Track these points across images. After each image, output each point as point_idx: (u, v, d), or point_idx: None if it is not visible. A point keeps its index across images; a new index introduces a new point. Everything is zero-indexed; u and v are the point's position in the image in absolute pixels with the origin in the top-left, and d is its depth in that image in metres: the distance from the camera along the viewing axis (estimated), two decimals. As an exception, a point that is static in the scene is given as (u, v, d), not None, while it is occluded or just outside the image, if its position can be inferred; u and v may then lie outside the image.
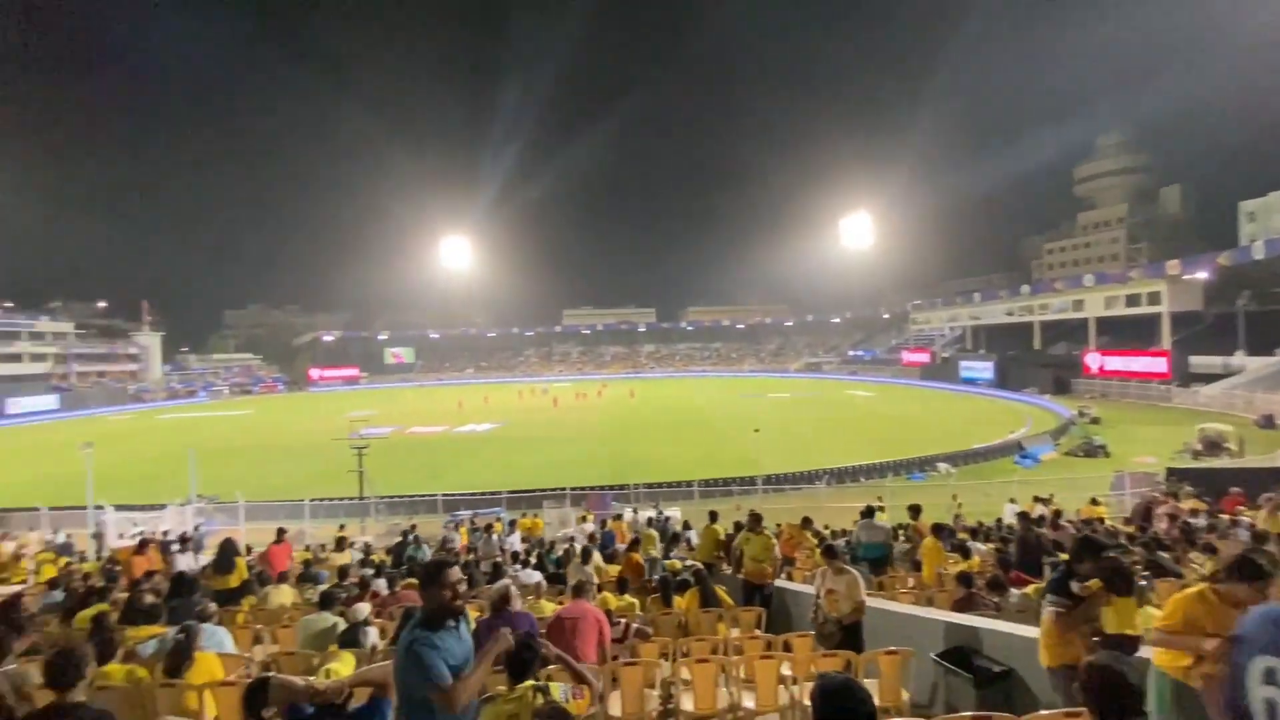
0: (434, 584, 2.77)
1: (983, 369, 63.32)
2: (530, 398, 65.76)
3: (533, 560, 11.42)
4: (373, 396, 76.98)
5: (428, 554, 12.70)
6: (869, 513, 10.95)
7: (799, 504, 19.59)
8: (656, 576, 9.60)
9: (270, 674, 3.09)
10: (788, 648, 5.39)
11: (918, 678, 5.05)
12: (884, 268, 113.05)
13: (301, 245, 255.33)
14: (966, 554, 9.68)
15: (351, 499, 23.18)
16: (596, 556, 9.29)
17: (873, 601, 6.08)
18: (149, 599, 5.75)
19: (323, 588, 8.03)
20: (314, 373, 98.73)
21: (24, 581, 11.45)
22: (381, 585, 7.63)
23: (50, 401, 67.43)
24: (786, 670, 4.93)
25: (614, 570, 9.23)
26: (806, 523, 12.57)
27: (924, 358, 77.34)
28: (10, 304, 79.44)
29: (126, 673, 4.12)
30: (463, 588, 2.80)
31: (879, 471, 26.85)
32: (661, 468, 27.81)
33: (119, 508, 19.83)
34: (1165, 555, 8.01)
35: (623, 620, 5.76)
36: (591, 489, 23.35)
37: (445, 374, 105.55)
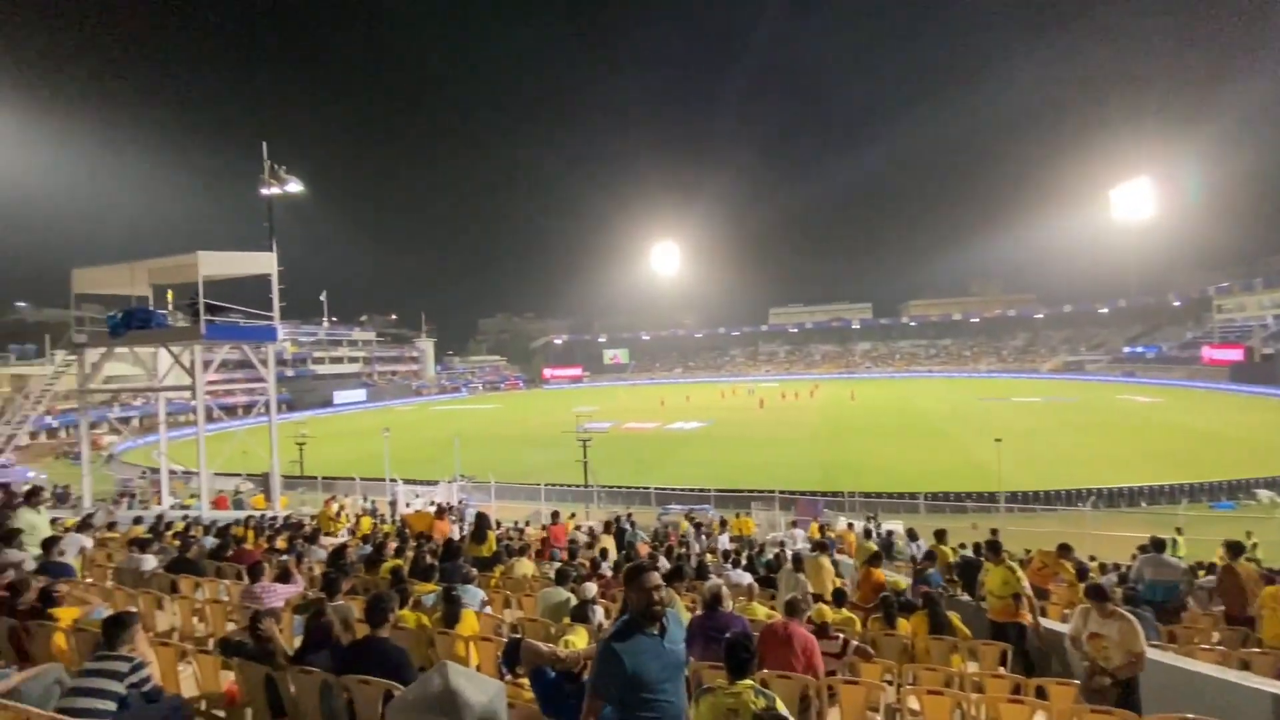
0: (633, 586, 2.75)
1: (1337, 369, 47.58)
2: (734, 397, 65.93)
3: (743, 560, 11.42)
4: (594, 394, 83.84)
5: (641, 536, 13.47)
6: (1158, 545, 8.84)
7: (1053, 528, 16.76)
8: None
9: (521, 637, 3.54)
10: (1041, 694, 4.60)
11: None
12: (1170, 245, 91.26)
13: (537, 259, 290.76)
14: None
15: (578, 486, 25.55)
16: (825, 561, 8.85)
17: (1158, 654, 4.92)
18: (428, 559, 6.97)
19: (557, 564, 8.97)
20: (546, 372, 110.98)
21: (344, 535, 14.69)
22: (607, 568, 8.25)
23: (360, 394, 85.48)
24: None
25: (836, 580, 8.78)
26: (1064, 550, 10.60)
27: (1235, 355, 60.68)
28: (335, 319, 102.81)
29: (415, 618, 5.04)
30: (662, 592, 2.73)
31: (1167, 495, 21.75)
32: (881, 476, 25.87)
33: (406, 481, 24.48)
34: None
35: (840, 635, 5.46)
36: (802, 494, 22.61)
37: (656, 373, 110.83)
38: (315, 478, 28.18)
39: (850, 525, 16.34)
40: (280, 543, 10.67)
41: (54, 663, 3.98)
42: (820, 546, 9.57)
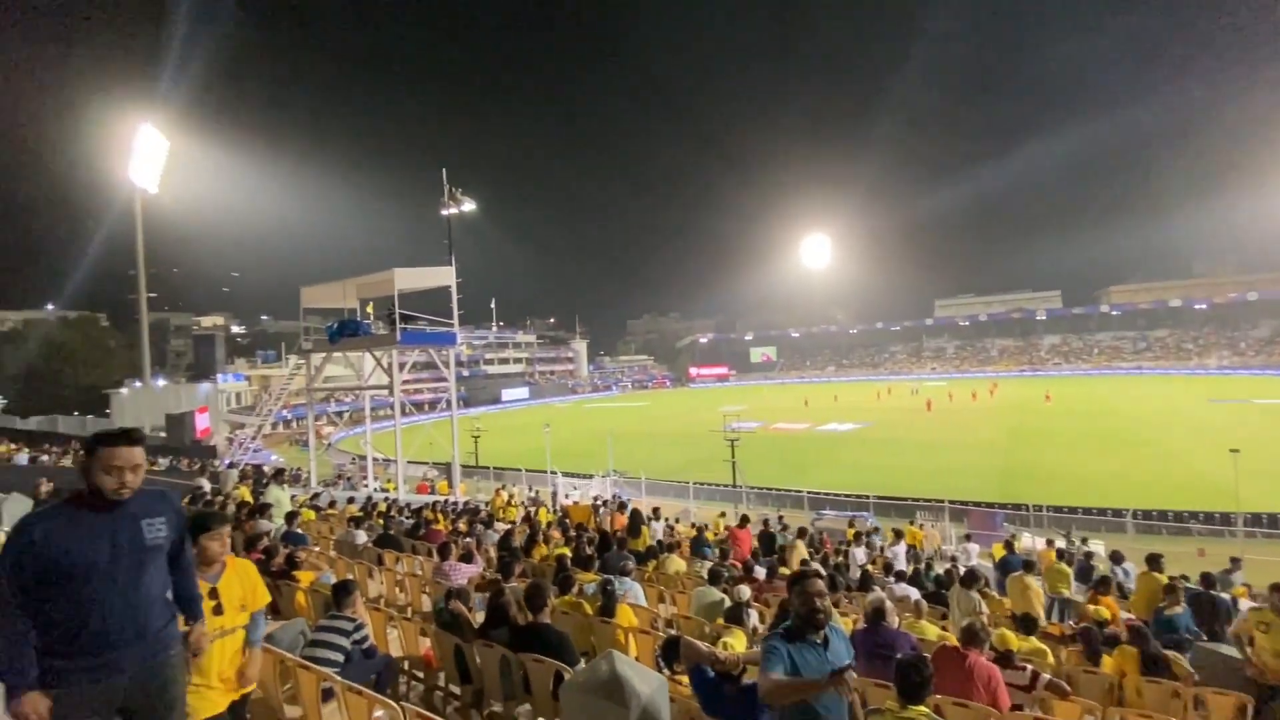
0: (796, 591, 2.75)
1: None
2: (893, 397, 61.49)
3: (908, 573, 10.64)
4: (740, 393, 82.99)
5: (788, 539, 13.07)
6: None
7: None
8: (1071, 622, 7.88)
9: (680, 634, 3.63)
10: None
11: None
12: None
13: (682, 259, 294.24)
14: None
15: (726, 486, 25.46)
16: (1032, 582, 7.99)
17: None
18: (588, 550, 7.38)
19: (709, 564, 9.03)
20: (692, 371, 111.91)
21: (513, 522, 16.02)
22: (760, 572, 8.16)
23: (524, 392, 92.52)
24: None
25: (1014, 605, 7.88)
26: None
27: None
28: (502, 323, 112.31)
29: (576, 606, 5.38)
30: (825, 600, 2.69)
31: None
32: (1076, 488, 22.66)
33: (565, 474, 26.11)
34: None
35: (1027, 666, 4.88)
36: (976, 504, 20.54)
37: (806, 372, 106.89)
38: (488, 468, 31.03)
39: (1050, 543, 14.50)
40: (462, 525, 11.93)
41: (298, 617, 4.82)
42: (1027, 565, 8.60)
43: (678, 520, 16.96)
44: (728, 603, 6.17)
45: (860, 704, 3.52)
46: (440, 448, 26.41)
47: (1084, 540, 15.73)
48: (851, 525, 16.63)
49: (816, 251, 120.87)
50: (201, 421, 37.88)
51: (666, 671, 3.85)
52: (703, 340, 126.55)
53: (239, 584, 2.86)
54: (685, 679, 3.83)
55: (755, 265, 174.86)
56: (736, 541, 11.15)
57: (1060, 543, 14.62)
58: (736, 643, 3.90)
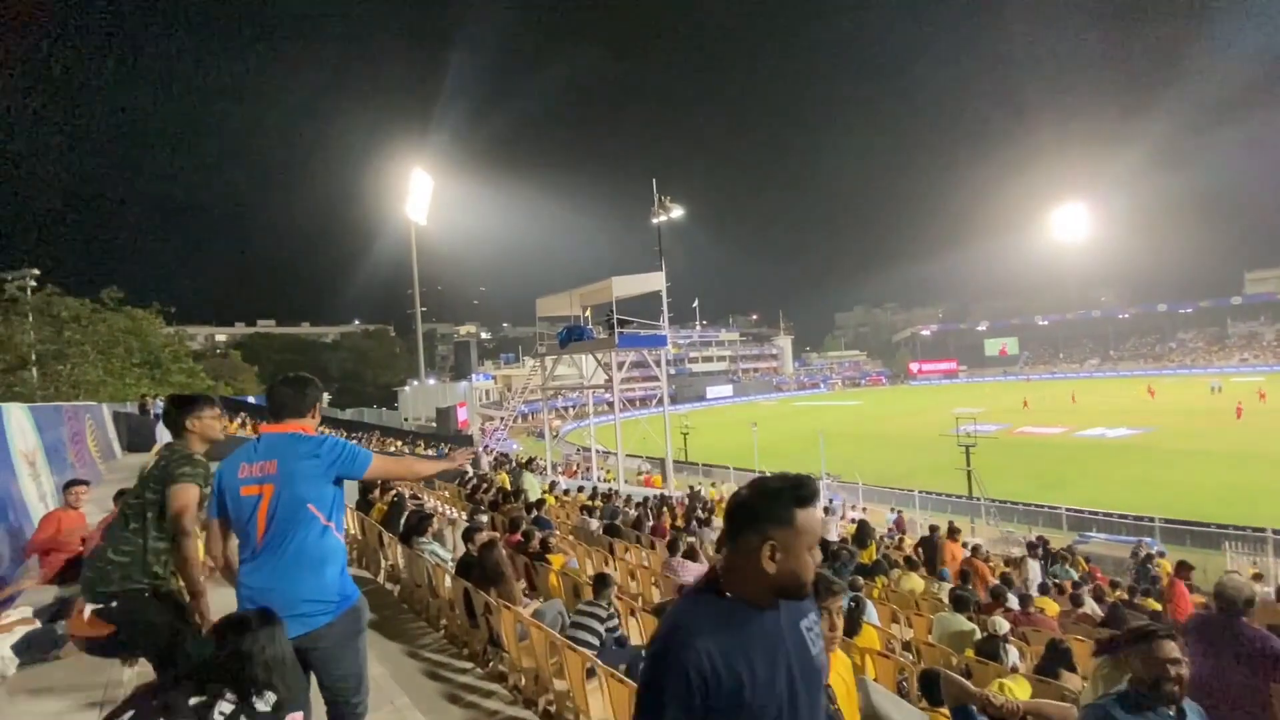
0: (1139, 651, 2.18)
1: None
2: (1185, 396, 49.37)
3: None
4: (972, 390, 73.82)
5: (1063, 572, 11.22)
6: None
7: None
8: None
9: (940, 670, 3.34)
10: None
11: None
12: None
13: (896, 245, 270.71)
14: None
15: (960, 496, 22.83)
16: None
17: None
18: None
19: (947, 585, 8.19)
20: (913, 366, 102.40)
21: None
22: (1013, 601, 7.18)
23: (727, 390, 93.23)
24: None
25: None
26: None
27: None
28: (705, 322, 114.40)
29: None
30: (1183, 669, 2.11)
31: None
32: None
33: (775, 475, 25.70)
34: None
35: None
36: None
37: (1059, 366, 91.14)
38: (697, 464, 31.89)
39: None
40: (680, 521, 12.43)
41: (554, 599, 5.45)
42: None
43: (904, 532, 15.66)
44: (979, 634, 5.53)
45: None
46: (653, 442, 27.87)
47: None
48: (1134, 554, 13.74)
49: (1071, 223, 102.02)
50: (462, 414, 44.88)
51: (924, 704, 3.58)
52: (925, 332, 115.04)
53: None
54: (945, 715, 3.52)
55: (990, 245, 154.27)
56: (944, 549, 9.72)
57: None
58: (1019, 690, 3.47)
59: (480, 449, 27.20)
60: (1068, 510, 19.32)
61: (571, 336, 22.61)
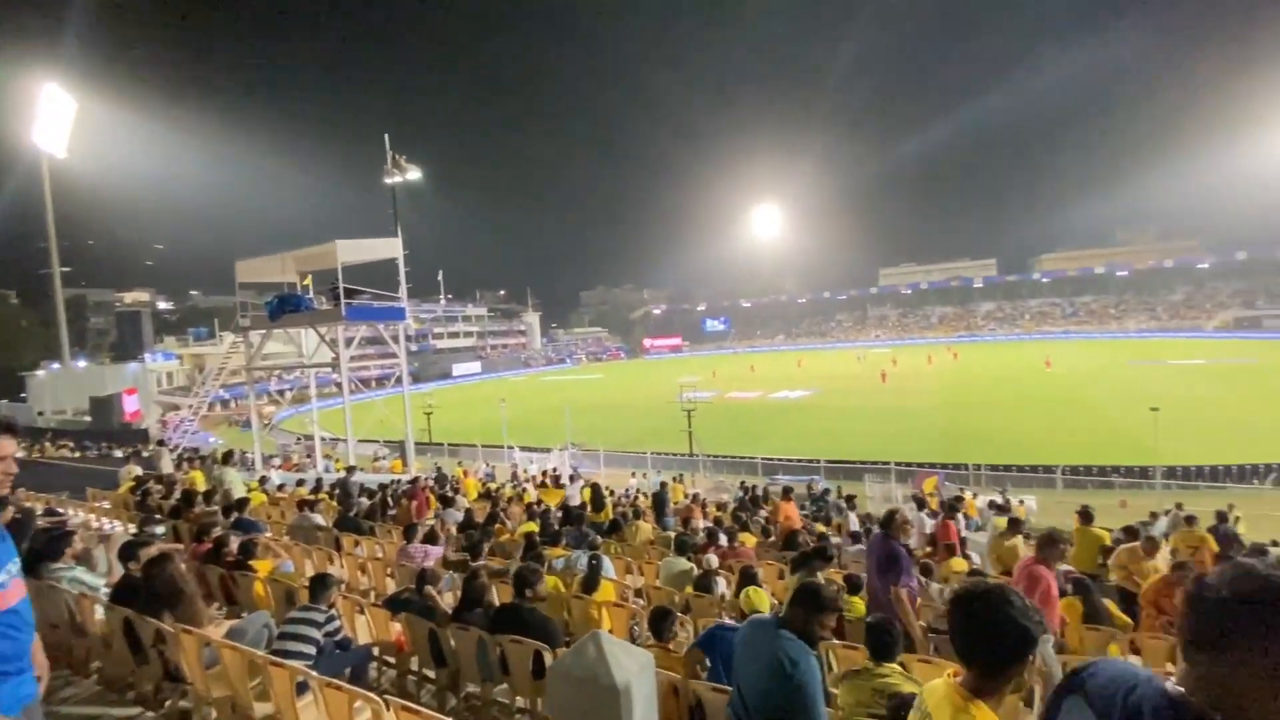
0: (814, 612, 2.78)
1: None
2: (842, 363, 63.46)
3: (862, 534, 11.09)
4: (694, 363, 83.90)
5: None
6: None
7: (1224, 508, 14.80)
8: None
9: (668, 608, 3.67)
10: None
11: None
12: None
13: (634, 230, 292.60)
14: None
15: (683, 455, 25.86)
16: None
17: None
18: (555, 525, 7.36)
19: (672, 533, 9.16)
20: (646, 342, 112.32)
21: (471, 498, 15.84)
22: (723, 539, 8.34)
23: (476, 366, 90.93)
24: None
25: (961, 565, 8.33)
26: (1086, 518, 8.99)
27: None
28: (451, 296, 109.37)
29: (554, 584, 5.37)
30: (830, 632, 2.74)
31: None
32: (1011, 448, 24.00)
33: (522, 449, 25.96)
34: None
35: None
36: (920, 466, 21.50)
37: (758, 341, 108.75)
38: (442, 444, 30.51)
39: (957, 498, 15.33)
40: (430, 504, 11.70)
41: (260, 610, 4.64)
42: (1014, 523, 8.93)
43: (640, 491, 17.13)
44: (697, 571, 6.30)
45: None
46: (392, 425, 25.75)
47: (1004, 496, 16.77)
48: (809, 489, 17.18)
49: (767, 221, 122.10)
50: (130, 404, 35.79)
51: (652, 641, 3.91)
52: (656, 311, 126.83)
53: None
54: (672, 648, 3.90)
55: (709, 235, 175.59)
56: (783, 515, 10.56)
57: (998, 499, 15.49)
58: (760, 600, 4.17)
59: (161, 444, 22.09)
60: (762, 459, 23.33)
61: (285, 307, 19.39)
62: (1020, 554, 8.35)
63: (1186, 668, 1.07)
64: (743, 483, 18.16)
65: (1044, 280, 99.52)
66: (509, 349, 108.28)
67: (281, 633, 3.76)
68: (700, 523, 10.58)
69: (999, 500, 15.17)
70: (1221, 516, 10.47)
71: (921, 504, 13.57)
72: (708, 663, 3.56)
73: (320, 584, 3.96)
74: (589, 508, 10.98)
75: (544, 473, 18.58)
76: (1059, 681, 1.29)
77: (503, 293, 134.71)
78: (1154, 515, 11.98)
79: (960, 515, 11.09)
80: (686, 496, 15.04)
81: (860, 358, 67.63)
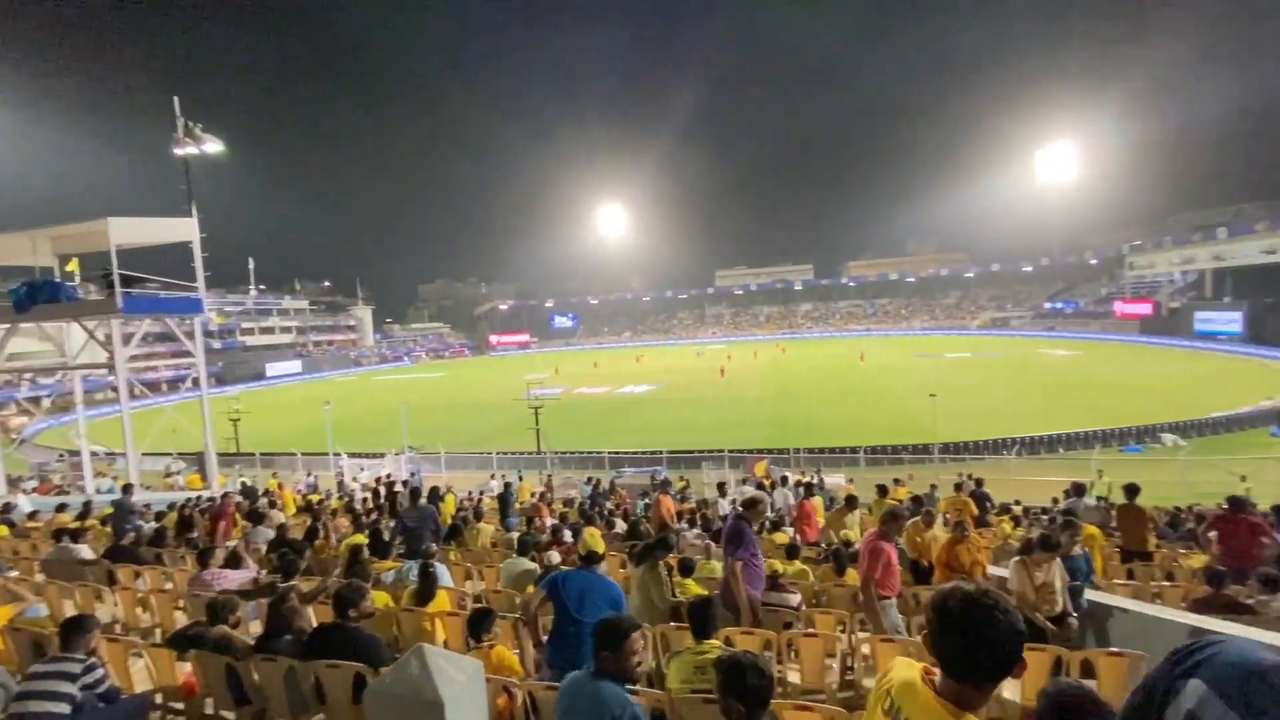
0: (614, 649, 2.68)
1: (1227, 321, 52.37)
2: (683, 359, 66.78)
3: (697, 520, 11.77)
4: (543, 360, 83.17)
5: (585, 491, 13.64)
6: (1079, 490, 9.61)
7: (982, 475, 17.93)
8: (824, 545, 9.45)
9: (488, 606, 3.58)
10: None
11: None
12: (1090, 205, 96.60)
13: (479, 223, 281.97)
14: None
15: (530, 453, 25.52)
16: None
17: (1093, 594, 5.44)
18: (385, 536, 6.86)
19: (515, 534, 9.01)
20: (493, 339, 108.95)
21: (290, 513, 14.26)
22: (568, 535, 8.36)
23: (295, 366, 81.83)
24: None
25: (782, 538, 9.17)
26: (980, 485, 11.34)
27: (1144, 309, 65.61)
28: (263, 287, 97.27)
29: (383, 600, 5.00)
30: (642, 653, 2.79)
31: (1083, 441, 23.58)
32: (824, 432, 26.90)
33: (351, 455, 23.85)
34: None
35: (796, 590, 5.76)
36: (750, 452, 23.32)
37: (605, 338, 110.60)
38: (253, 454, 27.06)
39: (784, 478, 16.99)
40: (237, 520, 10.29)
41: (-7, 667, 3.76)
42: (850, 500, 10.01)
43: (482, 493, 16.60)
44: (539, 570, 6.25)
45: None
46: (187, 434, 22.23)
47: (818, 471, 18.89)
48: (653, 479, 17.79)
49: (613, 221, 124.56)
50: None
51: (473, 643, 3.81)
52: (503, 307, 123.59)
53: None
54: (499, 650, 3.82)
55: (557, 231, 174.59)
56: (664, 509, 10.40)
57: (795, 477, 17.29)
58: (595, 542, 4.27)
59: None
60: (609, 453, 23.80)
61: (38, 296, 15.78)
62: (847, 525, 9.45)
63: None
64: (590, 478, 18.38)
65: (851, 284, 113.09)
66: (336, 346, 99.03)
67: (22, 692, 3.08)
68: (547, 521, 10.54)
69: (808, 479, 16.96)
70: (979, 482, 12.69)
71: (760, 486, 14.78)
72: (544, 593, 3.90)
73: (74, 628, 3.30)
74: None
75: (377, 480, 17.27)
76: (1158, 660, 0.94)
77: (328, 284, 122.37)
78: (933, 486, 14.15)
79: (817, 495, 12.37)
80: (533, 495, 14.88)
81: (699, 354, 71.62)
